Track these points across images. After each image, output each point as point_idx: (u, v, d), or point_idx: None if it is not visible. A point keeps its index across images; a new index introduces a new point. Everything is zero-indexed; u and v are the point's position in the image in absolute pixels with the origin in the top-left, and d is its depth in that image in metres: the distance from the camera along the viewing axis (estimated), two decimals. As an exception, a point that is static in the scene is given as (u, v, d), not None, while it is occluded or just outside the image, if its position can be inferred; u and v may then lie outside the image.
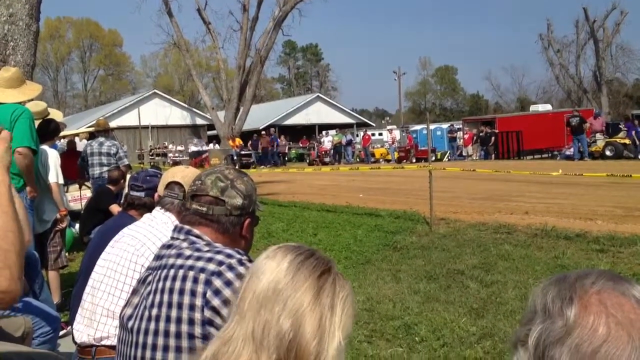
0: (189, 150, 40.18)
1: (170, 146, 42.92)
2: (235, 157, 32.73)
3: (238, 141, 35.14)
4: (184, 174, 2.90)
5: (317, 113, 51.29)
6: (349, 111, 55.78)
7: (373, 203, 12.70)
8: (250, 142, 36.92)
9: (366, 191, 15.52)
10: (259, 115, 47.81)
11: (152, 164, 30.87)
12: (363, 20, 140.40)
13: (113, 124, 35.58)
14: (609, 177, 11.02)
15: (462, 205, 11.84)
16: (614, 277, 1.00)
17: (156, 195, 3.05)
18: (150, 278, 2.01)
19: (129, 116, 42.26)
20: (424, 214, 10.30)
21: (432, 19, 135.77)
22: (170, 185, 2.89)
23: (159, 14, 37.14)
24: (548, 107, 40.83)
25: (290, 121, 49.73)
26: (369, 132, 42.36)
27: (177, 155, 40.12)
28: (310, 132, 48.59)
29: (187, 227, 2.05)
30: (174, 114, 48.27)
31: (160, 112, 46.44)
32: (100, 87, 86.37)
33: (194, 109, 52.45)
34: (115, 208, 7.19)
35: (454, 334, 4.91)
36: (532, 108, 39.88)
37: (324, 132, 41.52)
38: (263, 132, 38.50)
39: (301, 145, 43.56)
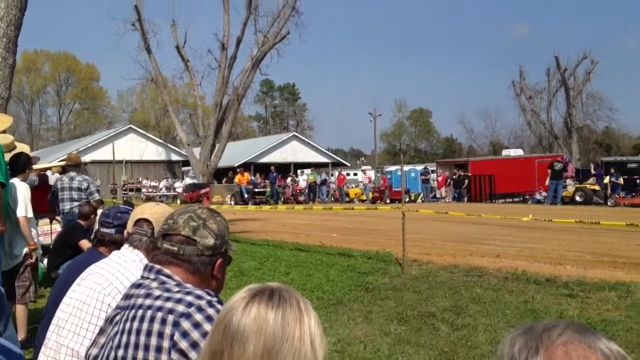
0: (185, 183, 38.42)
1: (145, 182, 42.58)
2: (246, 195, 30.62)
3: (247, 176, 33.39)
4: (154, 211, 2.85)
5: (293, 151, 51.52)
6: (325, 150, 56.11)
7: (346, 243, 12.69)
8: (225, 180, 36.44)
9: (339, 231, 15.52)
10: (235, 153, 47.84)
11: (124, 199, 30.53)
12: (341, 61, 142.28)
13: (87, 157, 35.20)
14: (578, 223, 11.17)
15: (434, 247, 11.89)
16: (581, 329, 1.00)
17: (125, 232, 3.01)
18: (118, 318, 1.99)
19: (104, 150, 41.98)
20: (397, 255, 10.31)
21: (408, 62, 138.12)
22: (139, 222, 2.84)
23: (137, 49, 37.34)
24: (520, 152, 41.54)
25: (265, 159, 49.79)
26: (344, 172, 42.55)
27: (150, 190, 39.78)
28: (285, 170, 48.70)
29: (157, 266, 2.03)
30: (149, 149, 48.07)
31: (135, 147, 46.24)
32: (75, 120, 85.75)
33: (170, 145, 52.34)
34: (85, 244, 7.09)
35: (424, 378, 4.88)
36: (504, 152, 40.57)
37: (299, 171, 41.60)
38: (239, 170, 38.28)
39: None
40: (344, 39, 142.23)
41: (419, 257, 10.46)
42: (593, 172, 29.94)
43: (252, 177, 35.45)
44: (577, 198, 26.26)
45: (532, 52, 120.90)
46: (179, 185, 38.91)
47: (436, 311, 6.90)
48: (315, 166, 44.44)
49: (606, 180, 26.99)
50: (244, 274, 9.45)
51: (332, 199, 37.33)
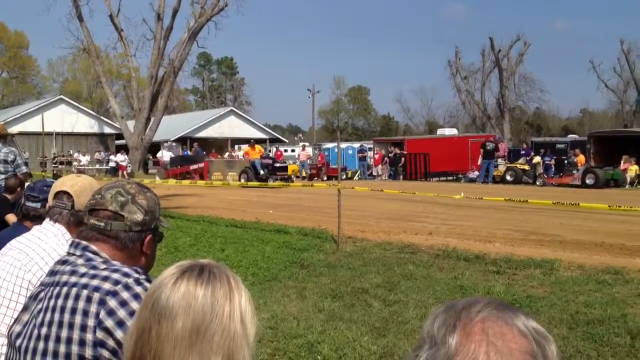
0: (166, 156, 33.71)
1: (77, 155, 41.26)
2: (262, 170, 25.26)
3: (259, 149, 27.90)
4: (73, 183, 2.73)
5: (230, 127, 50.93)
6: (262, 126, 55.75)
7: (283, 220, 12.71)
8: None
9: (276, 207, 15.52)
10: (170, 127, 46.93)
11: (54, 172, 29.58)
12: (280, 37, 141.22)
13: (15, 129, 33.87)
14: (507, 201, 11.53)
15: (369, 225, 12.04)
16: (501, 306, 1.01)
17: (47, 205, 2.90)
18: (42, 295, 1.92)
19: (33, 122, 40.38)
20: (332, 232, 10.40)
21: (348, 39, 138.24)
22: (58, 194, 2.71)
23: (68, 17, 35.99)
24: (454, 131, 42.38)
25: (202, 134, 49.08)
26: (282, 148, 42.43)
27: (82, 164, 38.61)
28: (222, 145, 48.20)
29: (84, 242, 1.97)
30: (80, 122, 46.53)
31: (66, 118, 44.66)
32: (3, 90, 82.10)
33: (103, 117, 50.82)
34: (11, 218, 6.82)
35: (356, 353, 4.96)
36: (439, 131, 41.29)
37: (236, 147, 41.24)
38: (251, 142, 36.63)
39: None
40: (284, 13, 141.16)
41: (354, 234, 10.59)
42: (523, 152, 30.89)
43: (268, 151, 31.08)
44: (508, 177, 27.03)
45: (469, 33, 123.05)
46: (122, 159, 36.91)
47: (369, 287, 7.01)
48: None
49: (537, 160, 27.91)
50: (178, 250, 9.35)
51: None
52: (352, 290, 6.91)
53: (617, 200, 15.82)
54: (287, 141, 60.75)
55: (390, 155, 32.67)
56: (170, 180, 22.02)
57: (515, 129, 63.11)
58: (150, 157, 41.42)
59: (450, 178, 33.19)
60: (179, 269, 1.39)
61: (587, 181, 23.70)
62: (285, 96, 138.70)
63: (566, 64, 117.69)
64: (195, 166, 29.37)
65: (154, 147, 37.21)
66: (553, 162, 28.59)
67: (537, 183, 26.06)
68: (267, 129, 57.47)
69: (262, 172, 25.11)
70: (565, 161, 27.71)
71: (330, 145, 42.84)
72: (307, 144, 48.61)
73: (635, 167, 25.01)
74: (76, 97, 64.36)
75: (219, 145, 46.21)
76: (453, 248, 9.05)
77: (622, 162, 25.02)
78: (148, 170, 39.17)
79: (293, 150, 50.62)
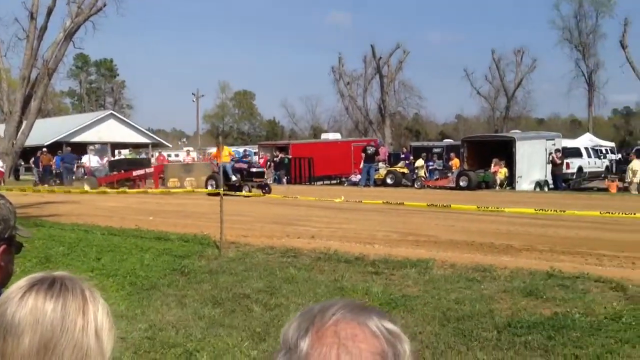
0: (93, 161, 29.06)
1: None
2: (234, 176, 21.27)
3: (228, 150, 23.72)
4: None
5: (110, 131, 49.16)
6: (145, 130, 54.28)
7: (164, 226, 12.43)
8: (33, 160, 32.96)
9: (158, 214, 15.14)
10: (45, 131, 44.57)
11: None
12: (164, 39, 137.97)
13: None
14: (385, 204, 11.90)
15: (253, 229, 12.02)
16: (355, 308, 1.02)
17: None
18: None
19: None
20: (215, 237, 10.29)
21: (233, 43, 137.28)
22: None
23: None
24: (338, 135, 43.19)
25: (79, 138, 47.00)
26: (165, 153, 41.49)
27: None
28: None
29: None
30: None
31: None
32: None
33: (-32, 120, 47.45)
34: None
35: (235, 359, 4.94)
36: (323, 136, 41.98)
37: (116, 152, 39.86)
38: (44, 150, 35.36)
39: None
40: (168, 16, 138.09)
41: (237, 240, 10.54)
42: (403, 156, 32.06)
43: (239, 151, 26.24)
44: (388, 180, 27.89)
45: (351, 40, 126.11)
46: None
47: (251, 292, 7.00)
48: (135, 146, 42.89)
49: (418, 163, 29.11)
50: (50, 260, 8.88)
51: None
52: (233, 296, 6.87)
53: (486, 201, 16.77)
54: (170, 146, 59.46)
55: (275, 159, 32.81)
56: (213, 190, 18.25)
57: (395, 134, 65.31)
58: (22, 163, 39.15)
59: (334, 181, 33.78)
60: (28, 282, 1.32)
61: (461, 183, 24.89)
62: (168, 100, 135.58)
63: (442, 72, 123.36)
64: (139, 172, 25.86)
65: (28, 152, 35.15)
66: (436, 165, 30.04)
67: (416, 186, 27.07)
68: (149, 133, 56.00)
69: (234, 177, 21.57)
70: (431, 164, 29.25)
71: (214, 149, 42.35)
72: (191, 148, 47.89)
73: (505, 169, 26.56)
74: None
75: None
76: (334, 251, 9.22)
77: (492, 165, 26.49)
78: (19, 176, 37.00)
79: (177, 155, 49.57)
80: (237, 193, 17.75)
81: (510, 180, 26.52)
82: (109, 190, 21.13)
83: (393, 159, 32.09)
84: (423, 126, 77.08)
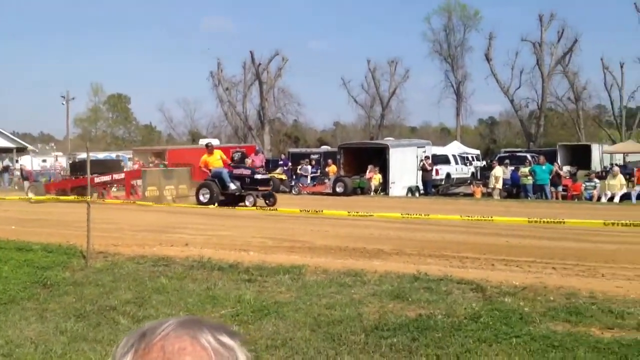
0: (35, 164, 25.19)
1: None
2: (233, 185, 18.48)
3: (219, 154, 20.13)
4: None
5: (-31, 134, 45.76)
6: (9, 134, 50.87)
7: (27, 236, 11.71)
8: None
9: (21, 222, 14.30)
10: None
11: None
12: (29, 39, 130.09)
13: None
14: (260, 210, 11.95)
15: (124, 238, 11.62)
16: (190, 323, 1.01)
17: None
18: None
19: None
20: (82, 247, 9.82)
21: (106, 45, 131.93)
22: None
23: None
24: (216, 141, 42.73)
25: None
26: (29, 159, 39.19)
27: None
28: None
29: None
30: None
31: None
32: None
33: None
34: None
35: (98, 375, 4.74)
36: (201, 142, 41.39)
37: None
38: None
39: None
40: (33, 14, 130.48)
41: (106, 249, 10.15)
42: (281, 162, 32.26)
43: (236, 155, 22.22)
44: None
45: (231, 45, 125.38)
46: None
47: (118, 304, 6.75)
48: (-3, 151, 40.16)
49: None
50: None
51: (17, 187, 34.12)
52: (98, 309, 6.59)
53: (360, 206, 17.21)
54: (37, 150, 56.21)
55: (150, 165, 31.88)
56: (211, 206, 15.89)
57: (275, 140, 65.61)
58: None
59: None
60: None
61: (338, 189, 25.42)
62: (36, 103, 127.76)
63: (321, 80, 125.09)
64: (100, 178, 21.40)
65: None
66: (318, 172, 30.55)
67: (293, 192, 27.32)
68: (14, 137, 52.57)
69: (232, 186, 18.48)
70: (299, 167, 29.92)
71: (85, 155, 40.55)
72: (60, 153, 45.58)
73: (379, 176, 27.40)
74: None
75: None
76: (208, 258, 9.09)
77: (367, 171, 27.25)
78: None
79: (44, 161, 47.00)
80: (242, 207, 15.73)
81: (385, 186, 27.41)
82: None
83: (271, 165, 32.20)
84: (302, 133, 77.94)
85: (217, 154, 19.76)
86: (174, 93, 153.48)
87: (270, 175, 26.81)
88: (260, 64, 61.37)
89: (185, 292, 7.25)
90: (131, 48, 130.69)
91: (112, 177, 22.00)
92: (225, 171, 18.83)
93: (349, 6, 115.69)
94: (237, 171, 19.35)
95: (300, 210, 11.54)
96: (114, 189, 23.15)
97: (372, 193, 26.71)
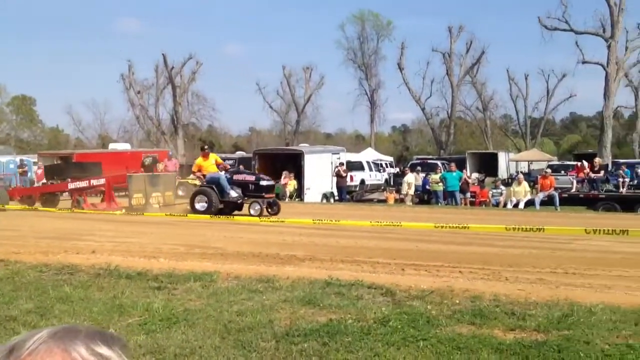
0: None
1: None
2: (232, 191, 17.04)
3: (214, 157, 18.66)
4: None
5: None
6: None
7: None
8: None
9: None
10: None
11: None
12: None
13: None
14: (169, 216, 11.72)
15: (26, 245, 11.12)
16: (61, 334, 0.97)
17: None
18: None
19: None
20: (-21, 256, 9.33)
21: (8, 44, 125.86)
22: None
23: None
24: (127, 145, 41.75)
25: None
26: None
27: None
28: None
29: None
30: None
31: None
32: None
33: None
34: None
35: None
36: (111, 146, 40.36)
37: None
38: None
39: None
40: None
41: (7, 257, 9.69)
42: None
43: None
44: (180, 192, 27.45)
45: (142, 47, 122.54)
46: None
47: (18, 314, 6.43)
48: None
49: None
50: None
51: None
52: (-3, 320, 6.26)
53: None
54: None
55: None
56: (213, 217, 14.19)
57: (189, 145, 64.61)
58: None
59: (122, 193, 32.47)
60: None
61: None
62: None
63: (237, 85, 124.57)
64: (81, 183, 18.84)
65: None
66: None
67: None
68: None
69: (233, 193, 16.99)
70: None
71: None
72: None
73: (294, 181, 27.50)
74: None
75: None
76: (115, 266, 8.82)
77: (282, 177, 27.29)
78: None
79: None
80: (244, 217, 14.40)
81: (300, 192, 27.54)
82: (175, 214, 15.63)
83: (185, 171, 31.68)
84: (217, 138, 77.18)
85: (212, 157, 18.27)
86: (82, 95, 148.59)
87: (184, 180, 26.46)
88: (173, 67, 60.31)
89: (91, 301, 7.00)
90: (36, 48, 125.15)
91: (89, 183, 19.04)
92: (223, 176, 17.40)
93: (265, 11, 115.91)
94: (238, 177, 18.01)
95: (211, 216, 11.41)
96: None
97: (287, 199, 26.76)
